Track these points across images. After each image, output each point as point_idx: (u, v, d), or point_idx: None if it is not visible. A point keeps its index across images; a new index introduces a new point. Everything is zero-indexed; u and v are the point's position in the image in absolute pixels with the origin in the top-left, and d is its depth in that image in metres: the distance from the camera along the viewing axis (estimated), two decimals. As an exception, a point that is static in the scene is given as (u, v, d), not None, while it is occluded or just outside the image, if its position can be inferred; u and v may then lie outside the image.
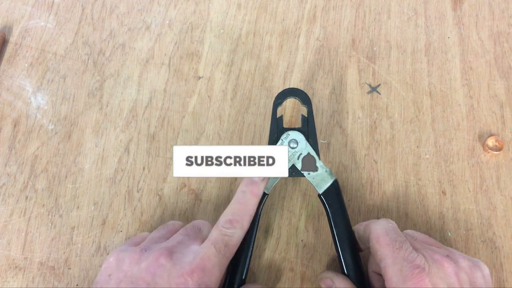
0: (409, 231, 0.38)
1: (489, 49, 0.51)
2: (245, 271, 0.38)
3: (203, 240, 0.36)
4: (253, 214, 0.37)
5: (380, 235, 0.34)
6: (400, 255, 0.32)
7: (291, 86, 0.49)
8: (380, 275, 0.35)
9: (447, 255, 0.33)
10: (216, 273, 0.33)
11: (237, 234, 0.35)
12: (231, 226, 0.35)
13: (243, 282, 0.37)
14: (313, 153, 0.40)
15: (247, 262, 0.38)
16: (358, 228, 0.38)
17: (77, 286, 0.41)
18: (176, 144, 0.47)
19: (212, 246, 0.34)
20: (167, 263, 0.33)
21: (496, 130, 0.47)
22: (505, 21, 0.52)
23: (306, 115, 0.41)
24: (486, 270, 0.34)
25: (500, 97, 0.48)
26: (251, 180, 0.37)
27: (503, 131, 0.47)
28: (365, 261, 0.40)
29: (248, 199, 0.36)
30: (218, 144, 0.47)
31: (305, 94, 0.41)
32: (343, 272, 0.37)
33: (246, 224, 0.36)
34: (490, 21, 0.53)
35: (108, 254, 0.37)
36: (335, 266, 0.42)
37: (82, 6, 0.55)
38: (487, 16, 0.53)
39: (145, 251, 0.34)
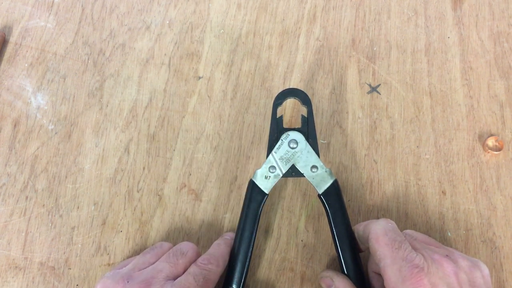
0: (408, 231, 0.38)
1: (489, 49, 0.51)
2: (245, 271, 0.38)
3: (185, 267, 0.37)
4: (226, 259, 0.38)
5: (379, 235, 0.34)
6: (399, 255, 0.32)
7: (291, 86, 0.49)
8: (380, 275, 0.35)
9: (447, 255, 0.33)
10: None
11: (214, 270, 0.37)
12: (208, 263, 0.37)
13: (243, 282, 0.38)
14: (313, 153, 0.40)
15: (247, 262, 0.38)
16: (358, 228, 0.38)
17: (77, 286, 0.41)
18: (176, 145, 0.47)
19: (191, 277, 0.35)
20: None
21: (496, 130, 0.47)
22: (505, 21, 0.52)
23: (306, 115, 0.41)
24: (486, 270, 0.34)
25: (500, 97, 0.48)
26: (225, 237, 0.41)
27: (503, 131, 0.47)
28: (365, 261, 0.40)
29: (222, 246, 0.39)
30: (218, 144, 0.47)
31: (305, 94, 0.41)
32: (343, 272, 0.37)
33: (221, 264, 0.38)
34: (490, 21, 0.53)
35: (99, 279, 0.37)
36: (335, 266, 0.42)
37: (82, 6, 0.55)
38: (487, 16, 0.53)
39: (127, 282, 0.35)
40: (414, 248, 0.33)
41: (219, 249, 0.38)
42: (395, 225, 0.36)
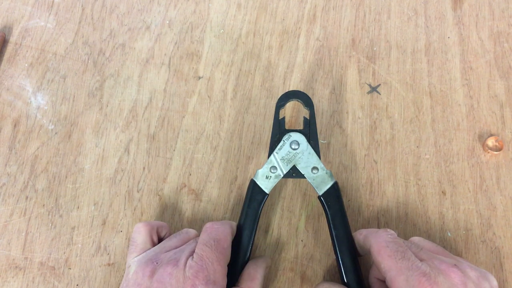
0: (415, 239, 0.38)
1: (489, 49, 0.51)
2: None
3: None
4: (232, 222, 0.39)
5: (380, 247, 0.34)
6: (404, 265, 0.32)
7: (291, 86, 0.50)
8: (383, 281, 0.35)
9: (455, 265, 0.33)
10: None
11: (221, 229, 0.36)
12: (213, 225, 0.37)
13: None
14: (314, 154, 0.40)
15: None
16: (358, 237, 0.37)
17: (77, 286, 0.41)
18: (176, 145, 0.47)
19: (202, 245, 0.35)
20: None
21: (496, 130, 0.47)
22: (505, 21, 0.52)
23: (308, 117, 0.41)
24: (494, 282, 0.33)
25: (500, 97, 0.48)
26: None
27: (503, 131, 0.47)
28: (365, 266, 0.40)
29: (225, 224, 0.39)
30: (218, 144, 0.47)
31: (308, 96, 0.42)
32: (341, 275, 0.37)
33: (226, 223, 0.38)
34: (490, 21, 0.53)
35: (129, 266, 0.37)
36: (334, 266, 0.42)
37: (82, 6, 0.55)
38: (487, 16, 0.53)
39: (156, 263, 0.35)
40: (420, 259, 0.33)
41: (222, 224, 0.38)
42: (395, 235, 0.35)
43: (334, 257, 0.40)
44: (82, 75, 0.51)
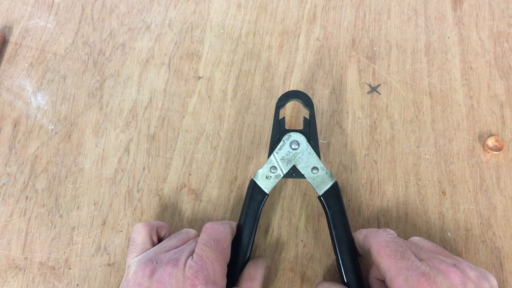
0: (415, 239, 0.38)
1: (489, 49, 0.51)
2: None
3: None
4: (231, 222, 0.39)
5: (380, 247, 0.34)
6: (403, 265, 0.32)
7: (291, 86, 0.50)
8: (382, 281, 0.35)
9: (454, 265, 0.33)
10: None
11: (221, 229, 0.36)
12: (213, 225, 0.37)
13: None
14: (314, 154, 0.40)
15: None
16: (358, 237, 0.37)
17: (77, 286, 0.41)
18: (176, 145, 0.47)
19: (202, 245, 0.35)
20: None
21: (496, 130, 0.47)
22: (505, 21, 0.52)
23: (308, 117, 0.41)
24: (494, 281, 0.33)
25: (500, 97, 0.48)
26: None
27: (503, 131, 0.47)
28: (365, 266, 0.40)
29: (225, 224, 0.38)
30: (218, 144, 0.47)
31: (308, 96, 0.42)
32: (341, 275, 0.37)
33: (226, 223, 0.38)
34: (490, 21, 0.53)
35: (129, 266, 0.37)
36: (334, 266, 0.42)
37: (82, 6, 0.55)
38: (487, 16, 0.53)
39: (156, 263, 0.35)
40: (420, 259, 0.33)
41: (222, 223, 0.38)
42: (395, 234, 0.35)
43: (334, 257, 0.40)
44: (82, 75, 0.51)
